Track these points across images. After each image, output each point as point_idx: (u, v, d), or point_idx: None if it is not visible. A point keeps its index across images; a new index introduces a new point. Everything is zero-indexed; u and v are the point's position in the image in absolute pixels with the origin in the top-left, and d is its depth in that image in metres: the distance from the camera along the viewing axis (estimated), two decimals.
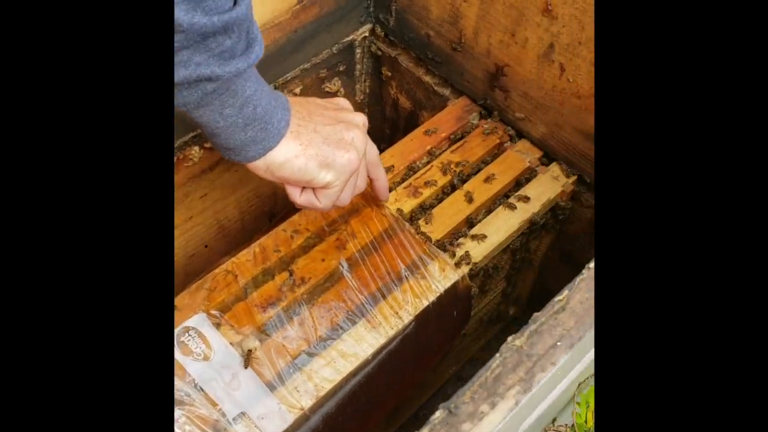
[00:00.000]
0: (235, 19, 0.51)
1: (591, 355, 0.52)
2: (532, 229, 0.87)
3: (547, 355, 0.38)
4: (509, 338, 0.39)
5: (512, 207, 0.85)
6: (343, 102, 0.72)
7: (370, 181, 0.77)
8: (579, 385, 0.55)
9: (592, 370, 0.57)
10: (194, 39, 0.49)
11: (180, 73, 0.51)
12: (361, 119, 0.69)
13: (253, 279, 0.77)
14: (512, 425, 0.39)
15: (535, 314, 0.40)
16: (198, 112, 0.56)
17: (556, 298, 0.40)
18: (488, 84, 0.91)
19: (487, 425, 0.35)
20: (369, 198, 0.84)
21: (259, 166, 0.62)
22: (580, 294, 0.40)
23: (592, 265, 0.42)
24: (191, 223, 0.96)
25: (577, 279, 0.41)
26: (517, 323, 1.07)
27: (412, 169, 0.89)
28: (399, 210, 0.84)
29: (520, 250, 0.91)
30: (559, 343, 0.38)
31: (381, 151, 0.93)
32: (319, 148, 0.63)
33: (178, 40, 0.48)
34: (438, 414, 0.35)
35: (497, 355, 0.38)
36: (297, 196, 0.68)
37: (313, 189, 0.67)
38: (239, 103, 0.57)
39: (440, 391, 1.07)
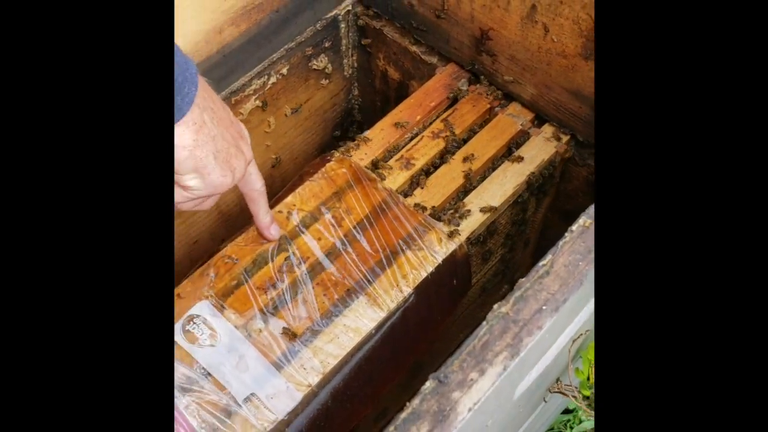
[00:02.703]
0: None
1: (584, 313, 0.52)
2: (528, 191, 0.87)
3: (533, 320, 0.38)
4: (495, 305, 0.39)
5: (507, 171, 0.85)
6: (245, 130, 0.68)
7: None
8: (573, 341, 0.55)
9: (586, 326, 0.58)
10: None
11: None
12: (250, 156, 0.66)
13: (252, 262, 0.78)
14: (505, 388, 0.40)
15: (520, 280, 0.40)
16: None
17: (541, 263, 0.41)
18: (475, 49, 0.90)
19: (477, 392, 0.36)
20: (362, 173, 0.84)
21: None
22: (563, 257, 0.41)
23: (574, 227, 0.42)
24: (191, 211, 0.97)
25: (560, 242, 0.41)
26: None
27: (403, 140, 0.89)
28: (392, 182, 0.84)
29: (518, 212, 0.91)
30: (544, 307, 0.38)
31: (373, 123, 0.93)
32: (206, 156, 0.60)
33: None
34: (428, 384, 0.36)
35: (484, 323, 0.39)
36: None
37: None
38: None
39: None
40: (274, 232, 0.78)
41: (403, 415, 0.36)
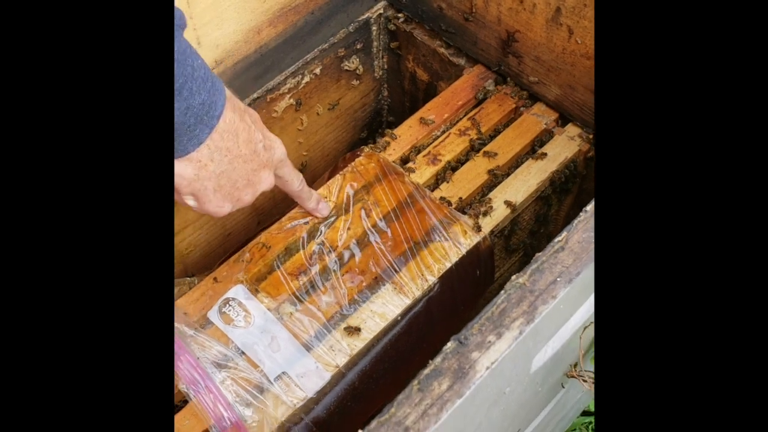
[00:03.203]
0: None
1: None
2: (552, 188, 0.90)
3: (547, 290, 0.41)
4: (513, 276, 0.42)
5: (531, 168, 0.88)
6: (279, 152, 0.69)
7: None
8: (585, 328, 0.58)
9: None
10: None
11: None
12: (266, 185, 0.68)
13: (285, 249, 0.82)
14: (522, 356, 0.43)
15: (537, 254, 0.43)
16: None
17: (556, 239, 0.44)
18: (501, 51, 0.94)
19: (494, 353, 0.39)
20: (389, 168, 0.88)
21: None
22: (578, 234, 0.44)
23: (588, 207, 0.45)
24: None
25: (575, 221, 0.44)
26: None
27: (430, 138, 0.93)
28: (418, 177, 0.87)
29: (541, 208, 0.94)
30: (558, 279, 0.41)
31: (399, 123, 0.96)
32: (204, 189, 0.61)
33: None
34: (449, 345, 0.39)
35: (502, 292, 0.42)
36: None
37: None
38: None
39: None
40: (324, 211, 0.83)
41: (425, 371, 0.39)
